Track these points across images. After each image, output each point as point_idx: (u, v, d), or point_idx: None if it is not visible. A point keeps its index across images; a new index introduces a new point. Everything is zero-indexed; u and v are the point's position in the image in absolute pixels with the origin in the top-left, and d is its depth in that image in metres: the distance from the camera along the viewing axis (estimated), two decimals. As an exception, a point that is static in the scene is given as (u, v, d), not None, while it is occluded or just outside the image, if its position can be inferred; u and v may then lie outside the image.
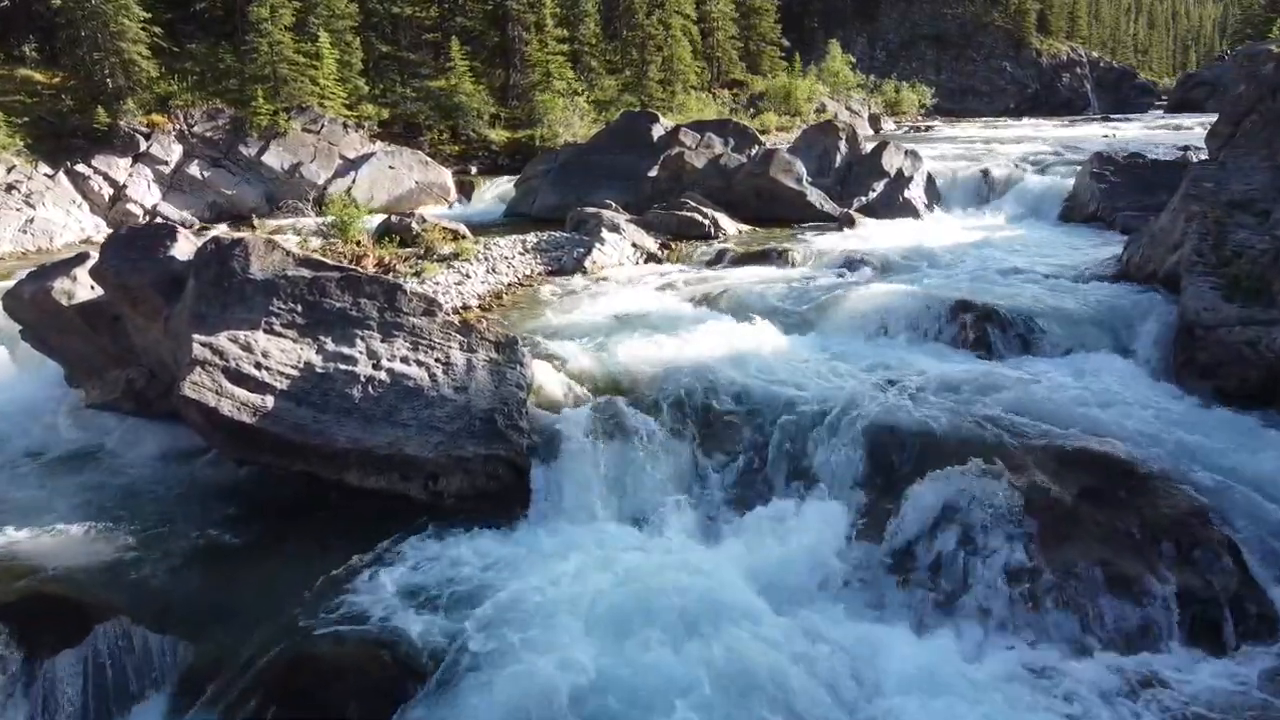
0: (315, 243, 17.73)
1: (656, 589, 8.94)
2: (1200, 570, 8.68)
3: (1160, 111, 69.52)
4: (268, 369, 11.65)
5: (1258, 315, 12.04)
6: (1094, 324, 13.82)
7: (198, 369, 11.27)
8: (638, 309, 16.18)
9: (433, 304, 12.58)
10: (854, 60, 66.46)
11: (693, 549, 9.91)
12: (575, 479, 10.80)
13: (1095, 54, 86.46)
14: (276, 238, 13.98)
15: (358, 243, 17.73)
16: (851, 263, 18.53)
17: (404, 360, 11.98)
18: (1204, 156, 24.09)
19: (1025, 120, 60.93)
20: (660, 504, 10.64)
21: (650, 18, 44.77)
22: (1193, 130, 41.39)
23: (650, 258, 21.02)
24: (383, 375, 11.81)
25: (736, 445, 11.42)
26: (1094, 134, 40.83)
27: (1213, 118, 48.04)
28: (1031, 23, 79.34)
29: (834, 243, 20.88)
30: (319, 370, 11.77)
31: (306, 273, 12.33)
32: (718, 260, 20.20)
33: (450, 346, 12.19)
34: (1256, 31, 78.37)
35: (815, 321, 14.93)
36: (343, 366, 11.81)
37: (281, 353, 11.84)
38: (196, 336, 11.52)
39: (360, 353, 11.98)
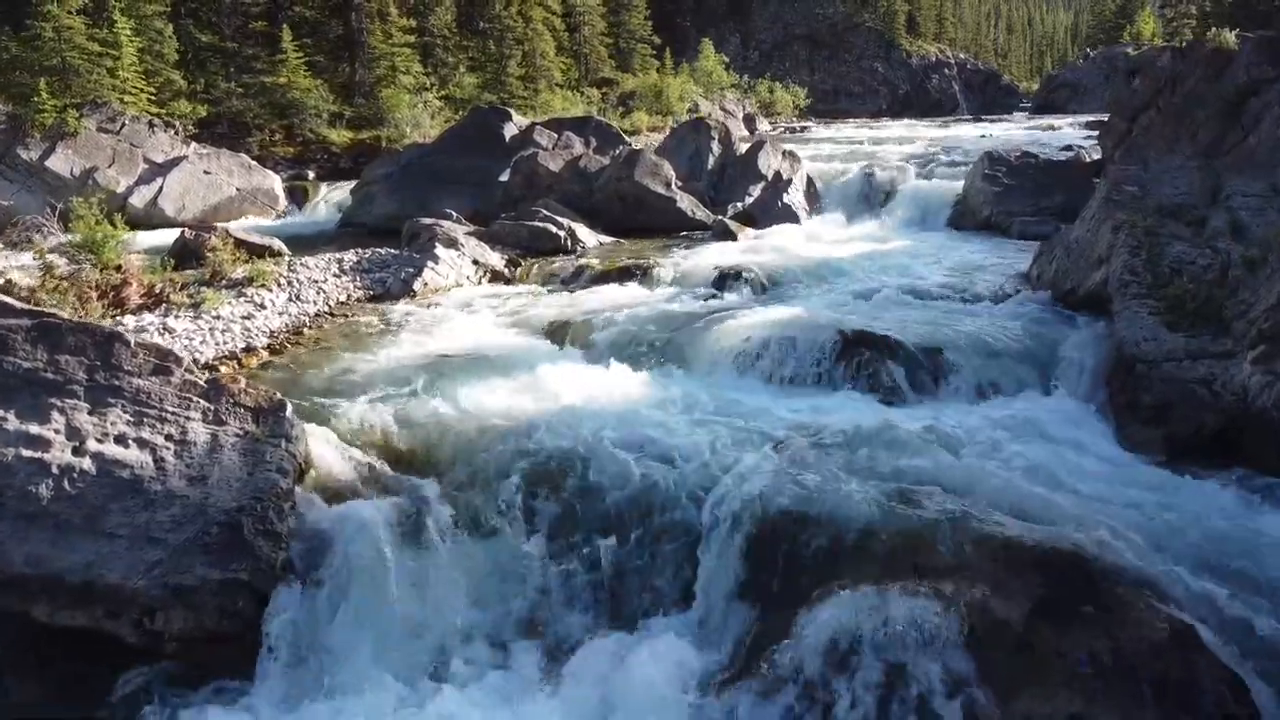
0: (63, 268, 14.03)
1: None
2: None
3: (1026, 112, 70.16)
4: (-87, 460, 8.24)
5: (1208, 346, 9.93)
6: (1011, 356, 11.52)
7: None
8: (471, 345, 13.23)
9: (168, 358, 9.33)
10: (727, 60, 64.57)
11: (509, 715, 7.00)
12: (348, 609, 7.74)
13: (962, 56, 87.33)
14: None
15: (118, 268, 14.12)
16: (725, 281, 15.93)
17: (120, 440, 8.71)
18: (1097, 155, 22.70)
19: (901, 121, 60.29)
20: (469, 641, 7.71)
21: (509, 9, 41.58)
22: (1063, 130, 40.87)
23: (496, 277, 18.02)
24: (87, 463, 8.52)
25: (579, 543, 8.56)
26: (969, 134, 39.84)
27: (1079, 118, 47.99)
28: (901, 24, 79.42)
29: (706, 256, 18.30)
30: (-8, 459, 8.42)
31: (-20, 320, 8.93)
32: (574, 279, 17.31)
33: (189, 417, 8.97)
34: (1108, 36, 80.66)
35: (679, 360, 12.21)
36: (27, 453, 8.46)
37: (-64, 436, 8.43)
38: None
39: (56, 431, 8.65)
